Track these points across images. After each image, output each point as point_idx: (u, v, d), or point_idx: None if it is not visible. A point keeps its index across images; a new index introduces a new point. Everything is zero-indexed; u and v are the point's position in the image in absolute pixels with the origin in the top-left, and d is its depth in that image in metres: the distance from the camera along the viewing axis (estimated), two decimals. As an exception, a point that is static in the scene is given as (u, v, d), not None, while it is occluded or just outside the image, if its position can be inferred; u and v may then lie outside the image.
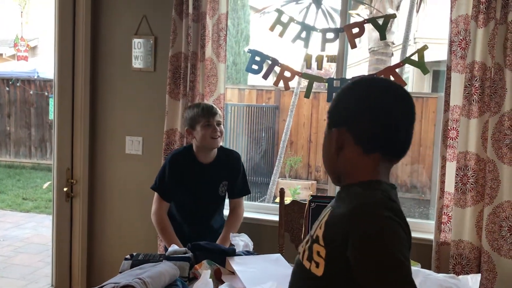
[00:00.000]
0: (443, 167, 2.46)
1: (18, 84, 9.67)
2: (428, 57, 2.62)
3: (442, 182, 2.46)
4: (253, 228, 2.72)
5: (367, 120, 1.11)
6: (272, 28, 2.71)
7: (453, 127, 2.44)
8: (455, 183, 2.39)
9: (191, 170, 2.42)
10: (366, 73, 7.00)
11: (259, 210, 2.99)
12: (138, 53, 2.97)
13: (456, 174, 2.39)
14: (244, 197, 2.61)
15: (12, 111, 9.80)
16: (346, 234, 0.99)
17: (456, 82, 2.42)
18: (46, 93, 9.54)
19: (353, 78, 1.21)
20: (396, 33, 6.94)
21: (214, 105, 2.47)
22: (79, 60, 3.00)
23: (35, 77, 9.68)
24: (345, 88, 1.18)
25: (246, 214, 2.85)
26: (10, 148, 9.87)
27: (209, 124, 2.35)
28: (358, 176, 1.13)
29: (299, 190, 7.18)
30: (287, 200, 2.60)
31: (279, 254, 2.06)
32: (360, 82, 1.21)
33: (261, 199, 7.31)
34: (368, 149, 1.11)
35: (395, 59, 6.99)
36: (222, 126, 2.43)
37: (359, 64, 9.08)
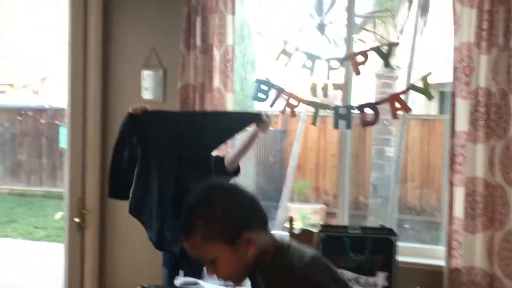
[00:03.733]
0: (451, 192, 2.46)
1: (30, 113, 9.82)
2: (434, 79, 2.65)
3: (451, 207, 2.46)
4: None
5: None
6: (277, 58, 2.77)
7: (460, 153, 2.45)
8: (464, 208, 2.39)
9: None
10: (373, 97, 7.06)
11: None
12: (148, 84, 3.03)
13: (465, 199, 2.39)
14: None
15: (24, 140, 9.94)
16: None
17: (461, 108, 2.44)
18: (56, 122, 9.67)
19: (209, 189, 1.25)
20: (400, 56, 6.99)
21: None
22: (91, 91, 3.07)
23: (46, 106, 9.84)
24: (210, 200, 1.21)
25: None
26: (22, 177, 9.97)
27: None
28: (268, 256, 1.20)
29: (309, 215, 7.16)
30: (297, 227, 2.61)
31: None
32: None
33: (269, 224, 7.27)
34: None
35: (401, 82, 7.03)
36: None
37: (364, 87, 9.12)
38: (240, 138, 2.59)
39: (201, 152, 2.43)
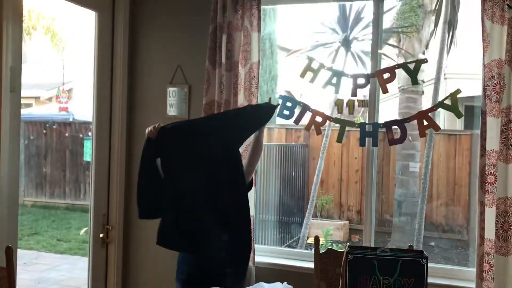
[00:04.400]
0: (482, 213, 2.39)
1: (54, 126, 10.00)
2: (460, 93, 2.60)
3: (482, 228, 2.39)
4: (287, 275, 2.68)
5: None
6: (302, 75, 2.75)
7: (491, 172, 2.38)
8: (496, 230, 2.32)
9: None
10: (397, 112, 6.99)
11: (292, 256, 2.96)
12: (173, 101, 3.05)
13: (496, 220, 2.32)
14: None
15: (49, 153, 10.10)
16: None
17: (492, 127, 2.38)
18: (81, 135, 9.81)
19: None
20: (425, 71, 6.92)
21: None
22: (116, 106, 3.11)
23: (71, 119, 10.00)
24: None
25: (279, 261, 2.86)
26: (46, 189, 10.12)
27: None
28: None
29: (332, 231, 7.08)
30: (321, 243, 2.57)
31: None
32: None
33: (291, 239, 7.22)
34: None
35: (426, 97, 6.94)
36: None
37: (388, 99, 9.04)
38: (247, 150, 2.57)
39: (226, 150, 2.40)
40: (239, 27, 2.77)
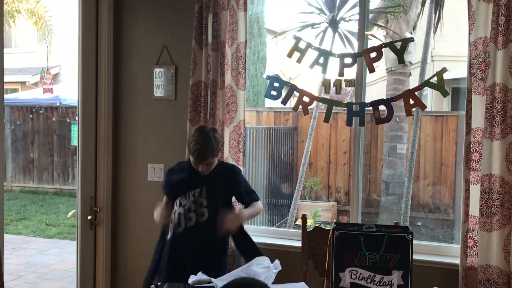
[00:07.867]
0: (466, 190, 2.43)
1: (41, 111, 9.89)
2: (447, 74, 2.62)
3: (466, 205, 2.42)
4: (275, 254, 2.70)
5: None
6: (290, 55, 2.75)
7: (476, 150, 2.41)
8: (480, 206, 2.35)
9: (189, 176, 2.53)
10: (384, 94, 7.01)
11: (281, 236, 2.98)
12: (159, 82, 3.03)
13: (481, 197, 2.35)
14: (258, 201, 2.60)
15: (36, 138, 10.01)
16: None
17: (477, 104, 2.40)
18: (68, 120, 9.72)
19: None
20: (413, 52, 6.93)
21: (206, 151, 2.43)
22: (102, 90, 3.07)
23: (58, 104, 9.89)
24: None
25: (267, 240, 2.87)
26: (34, 174, 10.04)
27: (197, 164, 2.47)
28: None
29: (320, 213, 7.14)
30: (309, 224, 2.59)
31: (303, 283, 2.05)
32: None
33: (281, 221, 7.27)
34: None
35: (413, 79, 6.97)
36: (214, 161, 2.49)
37: (376, 83, 9.07)
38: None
39: None
40: (225, 6, 2.74)
